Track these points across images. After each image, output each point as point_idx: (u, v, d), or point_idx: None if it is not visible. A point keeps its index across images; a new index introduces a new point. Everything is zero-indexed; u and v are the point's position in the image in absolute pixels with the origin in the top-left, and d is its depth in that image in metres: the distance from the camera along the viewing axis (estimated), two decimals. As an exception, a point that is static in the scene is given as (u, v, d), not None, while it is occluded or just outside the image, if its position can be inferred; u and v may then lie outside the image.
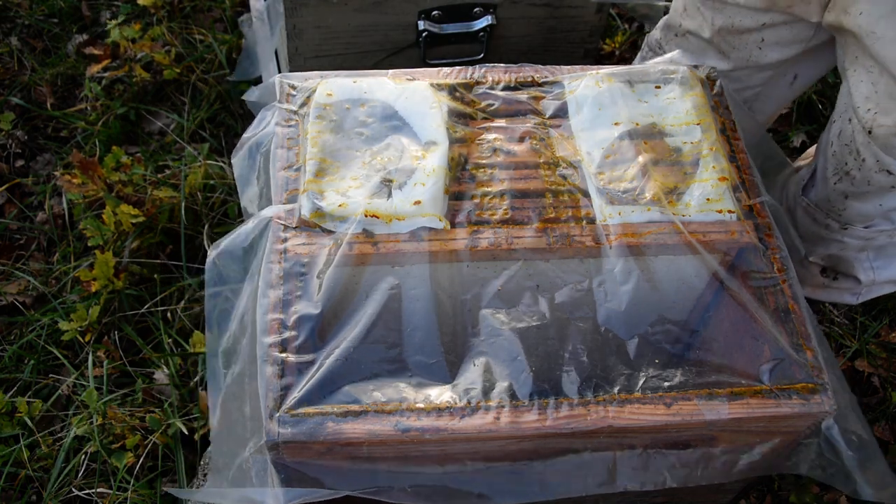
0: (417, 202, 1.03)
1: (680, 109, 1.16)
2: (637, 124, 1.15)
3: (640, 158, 1.11)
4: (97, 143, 1.97)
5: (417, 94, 1.14)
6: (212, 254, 1.03)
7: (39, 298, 1.74)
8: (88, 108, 2.08)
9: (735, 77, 1.32)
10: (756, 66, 1.29)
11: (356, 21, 1.48)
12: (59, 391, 1.58)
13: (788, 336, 0.97)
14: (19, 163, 2.01)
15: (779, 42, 1.24)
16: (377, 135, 1.10)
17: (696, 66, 1.22)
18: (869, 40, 1.06)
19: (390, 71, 1.19)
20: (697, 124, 1.15)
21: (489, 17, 1.50)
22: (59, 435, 1.53)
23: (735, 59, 1.29)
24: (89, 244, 1.72)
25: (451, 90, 1.19)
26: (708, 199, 1.07)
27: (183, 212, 1.77)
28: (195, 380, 1.57)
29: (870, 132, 1.12)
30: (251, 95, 1.26)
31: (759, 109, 1.37)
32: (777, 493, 1.54)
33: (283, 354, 0.92)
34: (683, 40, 1.34)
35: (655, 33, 1.41)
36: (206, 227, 1.79)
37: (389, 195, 1.04)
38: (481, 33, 1.52)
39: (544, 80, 1.20)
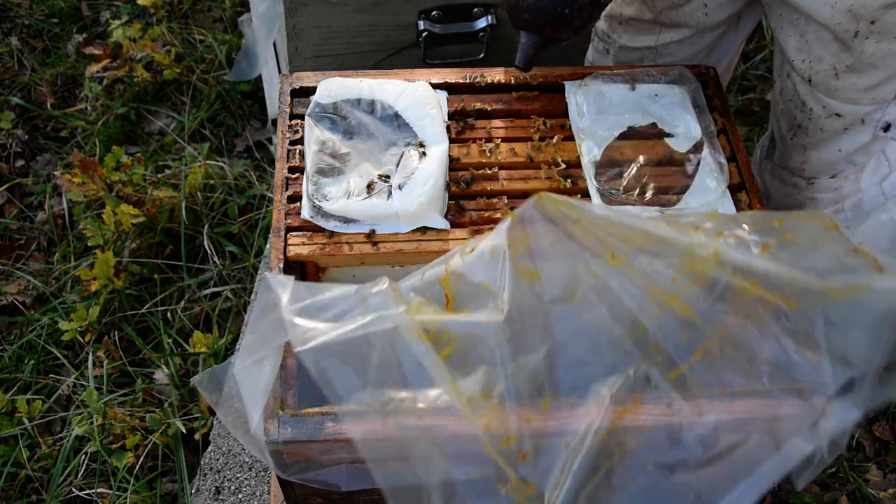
0: (418, 202, 1.03)
1: (680, 109, 1.17)
2: (637, 124, 1.15)
3: (640, 158, 1.11)
4: (97, 142, 1.97)
5: (417, 94, 1.14)
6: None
7: (39, 298, 1.74)
8: (88, 108, 2.08)
9: (687, 43, 1.34)
10: (705, 29, 1.31)
11: (356, 21, 1.48)
12: (59, 391, 1.58)
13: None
14: (19, 163, 2.01)
15: (722, 3, 1.26)
16: (377, 135, 1.10)
17: (695, 66, 1.22)
18: None
19: (390, 71, 1.20)
20: (697, 124, 1.15)
21: (489, 17, 1.50)
22: (60, 435, 1.53)
23: (683, 29, 1.32)
24: (89, 244, 1.72)
25: (452, 90, 1.19)
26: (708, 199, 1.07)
27: (183, 212, 1.77)
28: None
29: (809, 81, 1.15)
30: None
31: (715, 63, 1.39)
32: (777, 493, 1.54)
33: (283, 354, 0.92)
34: (628, 26, 1.38)
35: (601, 24, 1.43)
36: (206, 227, 1.79)
37: (389, 195, 1.04)
38: (481, 33, 1.52)
39: (544, 80, 1.20)
